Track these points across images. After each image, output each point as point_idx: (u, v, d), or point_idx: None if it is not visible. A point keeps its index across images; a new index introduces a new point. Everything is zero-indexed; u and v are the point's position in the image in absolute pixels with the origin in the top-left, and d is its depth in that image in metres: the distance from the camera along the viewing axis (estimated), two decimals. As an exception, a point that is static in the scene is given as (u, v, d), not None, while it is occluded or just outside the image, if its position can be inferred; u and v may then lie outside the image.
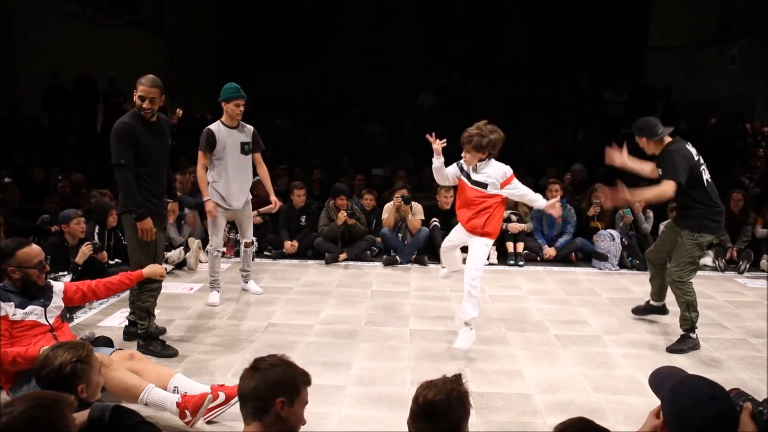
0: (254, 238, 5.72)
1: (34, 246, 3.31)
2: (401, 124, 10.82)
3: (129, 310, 4.38)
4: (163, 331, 4.37)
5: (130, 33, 13.28)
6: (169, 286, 5.69)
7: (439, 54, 13.51)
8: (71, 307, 4.44)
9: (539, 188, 7.60)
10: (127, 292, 4.39)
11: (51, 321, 3.26)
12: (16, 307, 3.14)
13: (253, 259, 5.80)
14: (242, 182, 5.20)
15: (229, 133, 5.07)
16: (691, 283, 4.33)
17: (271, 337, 4.43)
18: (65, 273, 4.68)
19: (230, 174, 5.10)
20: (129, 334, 4.32)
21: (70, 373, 2.40)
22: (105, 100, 11.39)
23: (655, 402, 1.82)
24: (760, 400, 1.81)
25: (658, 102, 11.67)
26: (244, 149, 5.17)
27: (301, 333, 4.52)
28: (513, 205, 7.21)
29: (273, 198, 5.53)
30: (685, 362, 4.07)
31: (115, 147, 3.88)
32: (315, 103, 11.68)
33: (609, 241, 6.87)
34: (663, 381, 1.82)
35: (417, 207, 7.09)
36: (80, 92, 11.07)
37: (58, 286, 3.44)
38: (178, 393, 3.11)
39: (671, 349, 4.33)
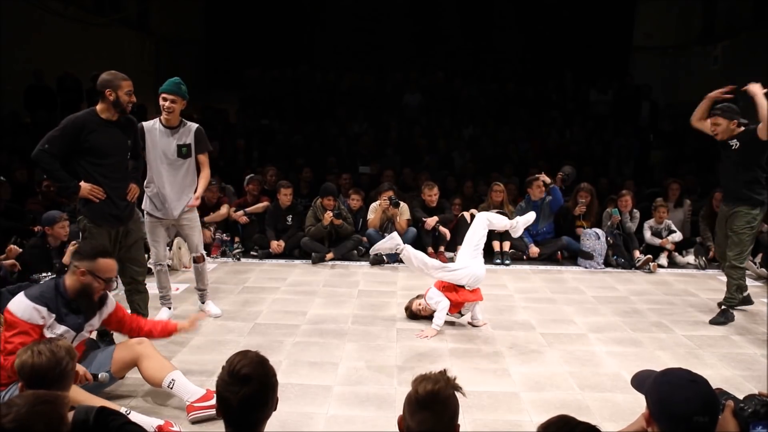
0: (204, 252, 5.05)
1: (113, 261, 3.22)
2: (388, 124, 10.83)
3: (130, 309, 4.34)
4: None
5: (115, 32, 13.15)
6: (154, 287, 5.63)
7: (426, 54, 13.53)
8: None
9: (524, 186, 7.68)
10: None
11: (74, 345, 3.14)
12: (56, 320, 3.05)
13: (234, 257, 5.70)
14: (180, 188, 4.62)
15: (164, 133, 4.56)
16: (744, 268, 4.90)
17: (258, 338, 4.41)
18: (48, 274, 4.63)
19: (164, 179, 4.57)
20: None
21: (65, 371, 2.41)
22: (89, 99, 11.28)
23: (640, 399, 1.85)
24: (741, 397, 1.85)
25: (643, 102, 11.77)
26: (182, 152, 4.58)
27: (288, 333, 4.51)
28: (499, 204, 7.24)
29: (196, 196, 4.72)
30: (668, 359, 4.12)
31: (53, 131, 3.89)
32: (302, 102, 11.65)
33: (594, 239, 6.93)
34: (644, 380, 1.86)
35: (404, 207, 7.11)
36: (64, 91, 10.94)
37: (110, 302, 3.36)
38: (172, 387, 3.20)
39: (714, 321, 4.89)
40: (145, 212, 4.66)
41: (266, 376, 1.96)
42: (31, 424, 1.59)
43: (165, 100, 4.48)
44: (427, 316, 4.71)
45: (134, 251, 4.25)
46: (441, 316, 4.53)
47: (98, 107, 3.95)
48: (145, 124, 4.55)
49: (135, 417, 3.02)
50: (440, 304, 4.56)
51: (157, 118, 4.61)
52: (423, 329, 4.58)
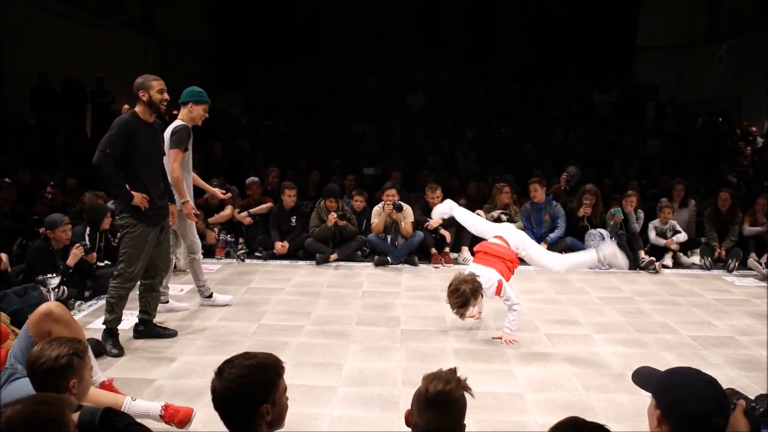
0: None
1: None
2: (391, 125, 10.84)
3: (139, 308, 4.38)
4: (175, 333, 4.43)
5: (119, 34, 13.21)
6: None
7: (430, 55, 13.54)
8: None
9: (526, 186, 7.67)
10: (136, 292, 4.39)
11: None
12: None
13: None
14: (191, 186, 5.01)
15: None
16: None
17: (262, 338, 4.42)
18: (53, 275, 4.64)
19: (188, 177, 4.89)
20: (137, 332, 4.34)
21: (66, 365, 2.36)
22: (93, 101, 11.32)
23: (645, 399, 1.84)
24: (752, 398, 1.85)
25: (648, 102, 11.74)
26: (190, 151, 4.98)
27: (292, 334, 4.52)
28: (503, 206, 7.23)
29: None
30: (673, 359, 4.11)
31: (109, 137, 3.92)
32: (306, 103, 11.66)
33: (599, 240, 6.91)
34: (647, 378, 1.85)
35: (407, 210, 7.06)
36: (68, 93, 10.99)
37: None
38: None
39: None
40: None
41: (246, 368, 1.94)
42: (30, 424, 1.59)
43: (206, 111, 4.84)
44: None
45: (163, 247, 4.37)
46: (514, 318, 4.40)
47: (137, 109, 4.10)
48: (186, 123, 4.78)
49: (139, 404, 3.04)
50: (516, 305, 4.39)
51: (179, 119, 4.82)
52: (473, 314, 4.71)
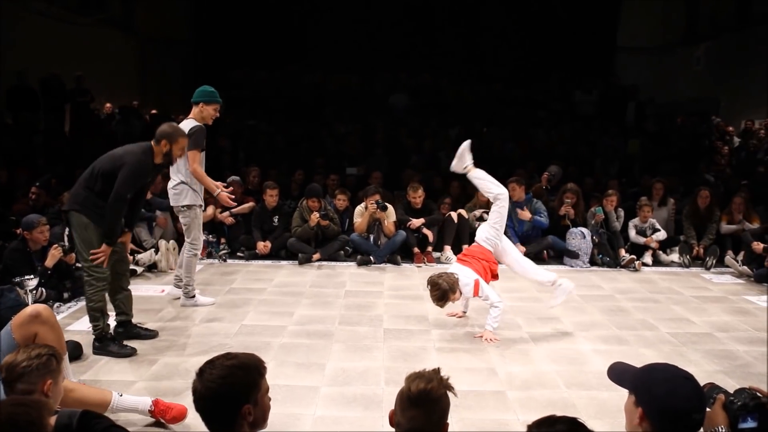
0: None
1: None
2: (375, 124, 10.84)
3: (115, 312, 4.31)
4: (155, 334, 4.38)
5: (100, 31, 13.04)
6: (140, 289, 5.61)
7: (414, 55, 13.56)
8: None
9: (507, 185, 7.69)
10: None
11: None
12: None
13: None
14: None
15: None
16: None
17: (244, 339, 4.39)
18: (31, 277, 4.57)
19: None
20: (117, 334, 4.25)
21: (44, 364, 2.35)
22: (72, 100, 11.17)
23: (625, 396, 1.85)
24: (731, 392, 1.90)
25: (629, 102, 11.89)
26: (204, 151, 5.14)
27: (275, 334, 4.50)
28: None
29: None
30: (653, 356, 4.16)
31: (129, 180, 3.90)
32: (289, 102, 11.62)
33: (580, 238, 6.98)
34: (622, 374, 1.87)
35: (390, 210, 7.07)
36: (48, 92, 10.83)
37: None
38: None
39: None
40: (187, 206, 4.98)
41: (228, 369, 1.93)
42: (9, 426, 1.57)
43: (217, 110, 4.98)
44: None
45: (122, 250, 4.31)
46: (495, 316, 4.43)
47: (155, 149, 4.07)
48: (201, 124, 4.89)
49: (127, 399, 3.03)
50: (497, 303, 4.42)
51: (193, 119, 4.91)
52: (456, 313, 4.78)
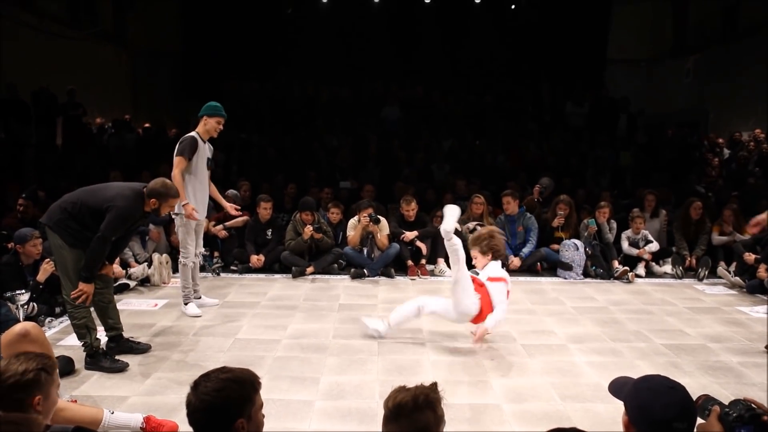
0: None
1: None
2: (366, 137, 10.85)
3: (104, 327, 4.27)
4: (148, 348, 4.35)
5: (91, 44, 13.04)
6: (132, 303, 5.58)
7: (404, 66, 13.61)
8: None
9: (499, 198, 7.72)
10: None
11: None
12: None
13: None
14: (205, 195, 5.36)
15: (205, 147, 5.26)
16: None
17: (238, 353, 4.37)
18: (23, 291, 4.53)
19: (198, 185, 5.21)
20: (110, 349, 4.20)
21: (33, 381, 2.25)
22: (64, 113, 11.13)
23: (621, 408, 1.87)
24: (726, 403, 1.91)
25: (620, 114, 11.97)
26: (208, 164, 5.34)
27: (269, 348, 4.47)
28: (479, 216, 7.28)
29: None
30: (647, 367, 4.17)
31: (116, 224, 3.87)
32: (280, 115, 11.62)
33: (573, 250, 7.00)
34: (621, 387, 1.91)
35: (383, 223, 7.06)
36: (39, 105, 10.79)
37: None
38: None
39: None
40: (183, 217, 5.09)
41: (222, 382, 1.94)
42: None
43: (220, 123, 5.22)
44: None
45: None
46: (498, 316, 4.34)
47: (145, 200, 4.03)
48: (193, 135, 5.14)
49: (119, 416, 3.00)
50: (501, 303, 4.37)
51: (195, 132, 5.17)
52: (473, 331, 4.46)
